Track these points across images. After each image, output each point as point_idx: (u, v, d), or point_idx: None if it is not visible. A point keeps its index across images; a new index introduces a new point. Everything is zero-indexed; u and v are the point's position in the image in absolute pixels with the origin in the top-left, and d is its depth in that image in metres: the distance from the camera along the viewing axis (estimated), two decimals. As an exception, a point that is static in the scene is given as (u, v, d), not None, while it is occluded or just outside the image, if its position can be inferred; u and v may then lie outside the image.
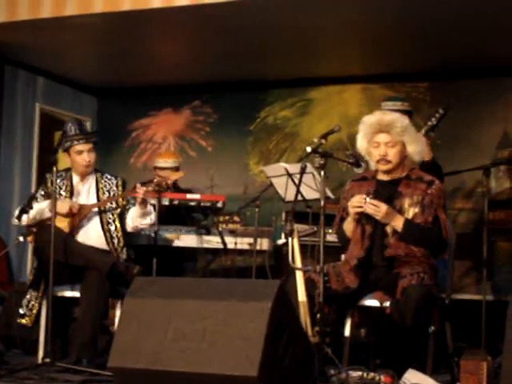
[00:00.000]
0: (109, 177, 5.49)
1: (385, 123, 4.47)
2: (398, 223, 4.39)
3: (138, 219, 5.37)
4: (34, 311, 5.17)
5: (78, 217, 5.26)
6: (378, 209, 4.36)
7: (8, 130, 7.82)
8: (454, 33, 6.63)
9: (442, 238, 4.45)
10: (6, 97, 7.79)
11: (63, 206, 5.17)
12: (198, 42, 7.24)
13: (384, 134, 4.47)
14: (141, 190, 5.21)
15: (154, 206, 5.55)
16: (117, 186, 5.44)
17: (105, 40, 7.29)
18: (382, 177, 4.60)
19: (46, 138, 8.34)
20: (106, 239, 5.29)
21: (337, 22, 6.49)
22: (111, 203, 5.38)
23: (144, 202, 5.29)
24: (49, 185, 5.33)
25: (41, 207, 5.19)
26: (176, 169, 6.73)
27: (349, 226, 4.57)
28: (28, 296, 5.22)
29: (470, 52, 7.11)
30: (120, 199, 5.40)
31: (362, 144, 4.60)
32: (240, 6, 6.12)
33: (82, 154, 5.32)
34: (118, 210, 5.39)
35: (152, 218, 5.43)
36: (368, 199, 4.38)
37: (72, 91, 8.71)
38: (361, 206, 4.39)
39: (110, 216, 5.37)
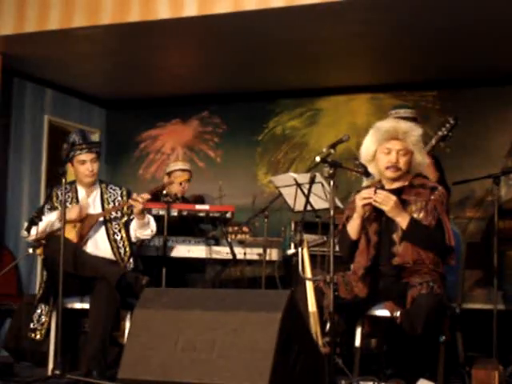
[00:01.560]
0: (113, 187, 5.51)
1: (402, 130, 4.43)
2: (404, 220, 4.34)
3: (138, 230, 5.38)
4: (45, 325, 5.15)
5: (86, 227, 5.26)
6: (387, 199, 4.33)
7: (17, 142, 7.84)
8: (463, 42, 6.63)
9: (446, 240, 4.42)
10: (15, 109, 7.81)
11: (72, 210, 5.18)
12: (206, 52, 7.25)
13: (398, 141, 4.42)
14: (140, 199, 5.19)
15: (154, 216, 5.56)
16: (121, 196, 5.45)
17: (113, 51, 7.30)
18: (386, 185, 4.57)
19: (55, 150, 8.33)
20: (113, 249, 5.30)
21: (344, 33, 6.50)
22: (116, 213, 5.38)
23: (142, 213, 5.27)
24: (54, 199, 5.34)
25: (50, 219, 5.19)
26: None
27: (354, 224, 4.49)
28: (38, 310, 5.21)
29: (479, 61, 7.10)
30: (125, 208, 5.39)
31: (369, 148, 4.52)
32: (248, 17, 6.12)
33: (85, 164, 5.32)
34: (124, 219, 5.39)
35: (153, 229, 5.43)
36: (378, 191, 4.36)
37: (80, 103, 8.72)
38: (370, 197, 4.36)
39: (116, 226, 5.37)
